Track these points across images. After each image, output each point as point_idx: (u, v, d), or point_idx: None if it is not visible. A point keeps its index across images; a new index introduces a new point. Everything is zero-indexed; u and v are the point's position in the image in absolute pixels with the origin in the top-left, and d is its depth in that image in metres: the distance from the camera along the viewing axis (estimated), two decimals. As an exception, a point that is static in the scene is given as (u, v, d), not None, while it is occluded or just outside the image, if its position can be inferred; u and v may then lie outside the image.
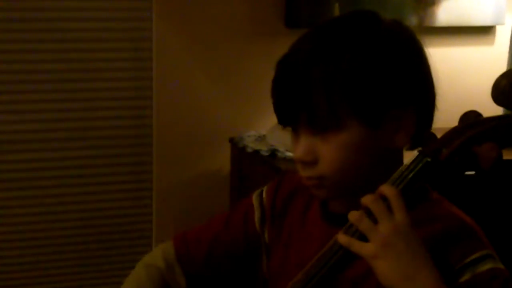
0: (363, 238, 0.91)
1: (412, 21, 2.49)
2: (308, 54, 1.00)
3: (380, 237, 0.89)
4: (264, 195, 1.23)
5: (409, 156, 0.98)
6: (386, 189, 0.92)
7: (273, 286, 1.19)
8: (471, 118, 1.00)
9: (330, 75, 0.97)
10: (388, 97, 0.99)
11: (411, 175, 0.94)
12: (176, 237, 1.31)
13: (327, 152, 1.01)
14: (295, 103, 1.01)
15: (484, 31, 2.67)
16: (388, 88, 0.99)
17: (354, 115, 0.98)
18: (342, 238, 0.93)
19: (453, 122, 1.01)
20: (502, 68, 2.58)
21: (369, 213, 0.91)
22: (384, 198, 0.92)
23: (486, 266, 0.96)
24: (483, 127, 0.98)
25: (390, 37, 1.01)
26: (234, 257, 1.25)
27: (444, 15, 2.56)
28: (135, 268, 1.29)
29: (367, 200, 0.92)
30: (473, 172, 0.99)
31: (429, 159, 0.95)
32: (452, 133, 0.98)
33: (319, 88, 0.98)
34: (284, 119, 1.04)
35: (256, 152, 2.23)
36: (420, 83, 1.03)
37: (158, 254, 1.28)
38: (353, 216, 0.92)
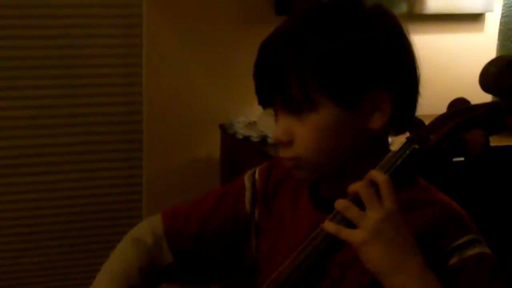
0: (351, 225, 0.92)
1: (402, 8, 2.49)
2: (283, 37, 1.03)
3: (369, 223, 0.90)
4: (256, 176, 1.24)
5: (398, 143, 0.99)
6: (377, 175, 0.93)
7: (262, 270, 1.19)
8: (459, 105, 1.00)
9: (300, 57, 1.00)
10: (360, 78, 1.00)
11: (399, 161, 0.95)
12: (165, 211, 1.29)
13: (302, 132, 1.03)
14: (270, 84, 1.04)
15: (473, 18, 2.67)
16: (359, 70, 1.00)
17: (326, 96, 1.00)
18: (329, 226, 0.93)
19: (442, 109, 1.02)
20: (491, 55, 2.57)
21: (356, 201, 0.92)
22: (374, 184, 0.92)
23: (473, 251, 0.98)
24: (471, 114, 0.98)
25: (365, 22, 1.02)
26: (224, 237, 1.24)
27: (434, 2, 2.55)
28: (122, 241, 1.27)
29: (356, 185, 0.92)
30: (461, 159, 1.00)
31: (416, 146, 0.96)
32: (440, 120, 0.99)
33: (291, 70, 1.01)
34: (262, 100, 1.07)
35: (246, 138, 2.23)
36: (395, 67, 1.03)
37: (146, 228, 1.27)
38: (340, 204, 0.92)
